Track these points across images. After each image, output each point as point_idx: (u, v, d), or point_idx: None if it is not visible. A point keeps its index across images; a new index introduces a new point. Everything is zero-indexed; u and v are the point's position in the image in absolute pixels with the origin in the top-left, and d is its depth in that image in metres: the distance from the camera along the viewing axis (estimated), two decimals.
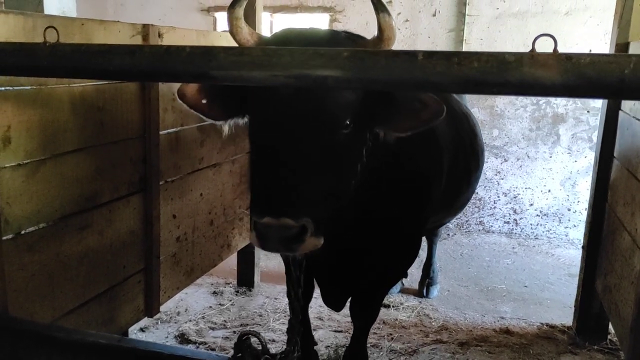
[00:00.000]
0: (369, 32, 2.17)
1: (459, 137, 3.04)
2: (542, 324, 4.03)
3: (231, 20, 1.97)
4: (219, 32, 3.82)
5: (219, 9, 6.80)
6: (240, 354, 1.50)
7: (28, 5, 4.00)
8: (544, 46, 1.23)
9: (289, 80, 1.36)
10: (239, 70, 1.38)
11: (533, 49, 1.21)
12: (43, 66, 1.52)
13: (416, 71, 1.29)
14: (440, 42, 6.12)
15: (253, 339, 1.49)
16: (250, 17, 3.98)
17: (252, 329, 1.55)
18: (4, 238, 2.08)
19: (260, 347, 1.52)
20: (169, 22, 6.67)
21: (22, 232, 2.18)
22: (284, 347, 3.44)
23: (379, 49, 1.88)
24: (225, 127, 2.09)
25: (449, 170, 2.84)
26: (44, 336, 1.80)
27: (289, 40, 2.01)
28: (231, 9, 1.97)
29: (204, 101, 2.01)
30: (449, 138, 2.88)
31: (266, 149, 1.85)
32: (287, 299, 4.27)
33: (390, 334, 3.77)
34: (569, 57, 1.18)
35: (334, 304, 2.94)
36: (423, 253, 4.72)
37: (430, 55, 1.28)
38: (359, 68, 1.32)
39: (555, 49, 1.20)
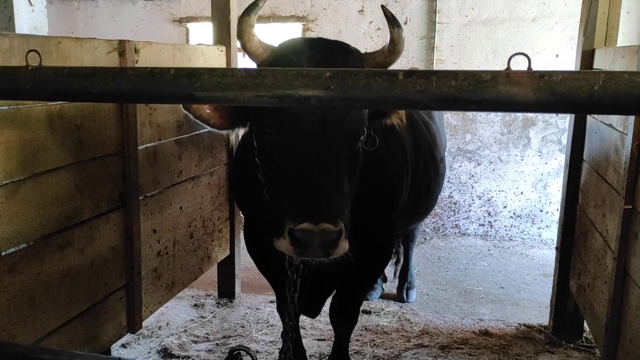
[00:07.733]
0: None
1: (417, 143, 3.14)
2: (519, 324, 4.12)
3: (244, 27, 1.97)
4: (194, 45, 3.82)
5: (191, 19, 6.78)
6: None
7: None
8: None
9: (273, 101, 1.39)
10: (224, 91, 1.40)
11: (508, 67, 1.27)
12: (25, 90, 1.52)
13: (396, 90, 1.33)
14: (412, 50, 6.22)
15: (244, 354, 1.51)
16: (225, 29, 4.00)
17: (240, 344, 1.55)
18: None
19: None
20: (141, 34, 6.63)
21: (3, 253, 2.16)
22: (269, 357, 3.44)
23: (390, 60, 2.08)
24: (232, 137, 2.12)
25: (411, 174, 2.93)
26: (29, 359, 1.78)
27: (297, 50, 2.06)
28: (246, 15, 1.96)
29: (208, 111, 2.02)
30: (410, 144, 2.98)
31: (293, 160, 1.89)
32: (268, 309, 4.26)
33: (373, 340, 3.81)
34: (541, 75, 1.24)
35: (309, 310, 2.96)
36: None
37: (409, 74, 1.32)
38: (341, 88, 1.35)
39: (529, 67, 1.25)
